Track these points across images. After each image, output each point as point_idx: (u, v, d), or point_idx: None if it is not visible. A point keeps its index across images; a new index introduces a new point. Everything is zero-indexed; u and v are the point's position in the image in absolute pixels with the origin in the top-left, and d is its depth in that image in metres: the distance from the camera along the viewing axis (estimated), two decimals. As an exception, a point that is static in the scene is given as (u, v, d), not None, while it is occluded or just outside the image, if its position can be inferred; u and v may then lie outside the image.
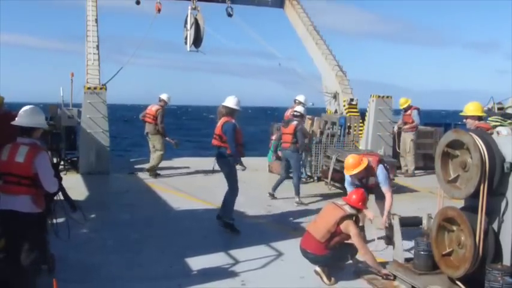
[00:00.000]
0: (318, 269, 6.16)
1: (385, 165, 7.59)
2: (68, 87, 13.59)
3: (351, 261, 6.39)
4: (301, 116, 10.84)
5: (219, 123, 8.42)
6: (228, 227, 8.31)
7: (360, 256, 6.28)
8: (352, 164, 7.23)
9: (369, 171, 7.33)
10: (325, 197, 10.75)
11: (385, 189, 7.37)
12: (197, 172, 13.48)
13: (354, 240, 6.08)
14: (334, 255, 6.15)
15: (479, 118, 7.53)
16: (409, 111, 13.76)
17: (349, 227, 6.09)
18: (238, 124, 8.43)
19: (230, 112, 8.42)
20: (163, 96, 12.84)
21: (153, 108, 12.62)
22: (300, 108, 11.10)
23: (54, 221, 5.59)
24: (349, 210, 6.22)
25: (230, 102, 8.44)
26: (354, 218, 6.21)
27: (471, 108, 7.59)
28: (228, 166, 8.41)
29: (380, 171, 7.36)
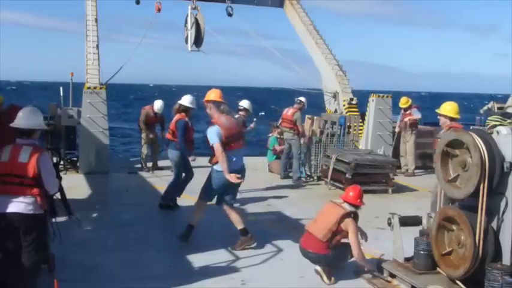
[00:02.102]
0: (318, 268, 6.16)
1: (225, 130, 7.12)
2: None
3: (351, 260, 6.38)
4: (245, 110, 11.03)
5: (174, 119, 9.27)
6: (164, 207, 9.35)
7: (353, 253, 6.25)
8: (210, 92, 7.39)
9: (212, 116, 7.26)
10: (325, 196, 10.74)
11: (213, 146, 7.00)
12: (196, 171, 13.46)
13: (350, 237, 6.10)
14: (336, 255, 6.15)
15: (452, 119, 7.55)
16: (409, 111, 13.74)
17: (349, 224, 6.11)
18: (190, 121, 9.29)
19: (185, 109, 9.21)
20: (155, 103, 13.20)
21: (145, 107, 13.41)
22: (244, 103, 11.16)
23: (54, 220, 5.58)
24: (348, 207, 6.24)
25: (185, 100, 9.26)
26: (353, 215, 6.23)
27: (447, 108, 7.64)
28: (177, 157, 9.27)
29: (211, 129, 7.03)
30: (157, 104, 13.09)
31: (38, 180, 4.90)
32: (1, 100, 8.22)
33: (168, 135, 9.43)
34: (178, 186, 9.50)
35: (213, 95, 7.37)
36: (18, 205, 4.87)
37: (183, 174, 9.48)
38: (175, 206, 9.49)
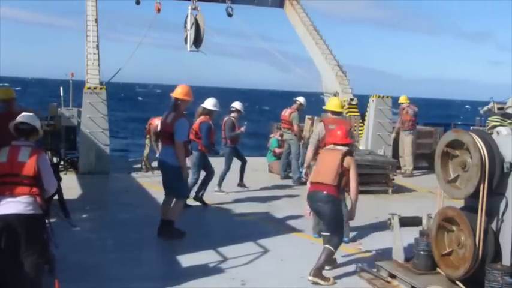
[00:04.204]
0: (310, 278, 6.03)
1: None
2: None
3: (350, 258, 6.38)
4: (236, 111, 11.12)
5: (197, 121, 9.51)
6: (199, 200, 9.68)
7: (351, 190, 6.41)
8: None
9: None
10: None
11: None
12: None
13: (352, 172, 6.32)
14: (339, 208, 6.38)
15: (336, 113, 8.04)
16: (405, 108, 13.78)
17: (350, 162, 6.35)
18: (213, 124, 9.60)
19: (208, 112, 9.52)
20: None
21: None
22: (235, 104, 11.22)
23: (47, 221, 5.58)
24: (343, 148, 6.47)
25: (209, 104, 9.56)
26: (350, 153, 6.52)
27: (329, 104, 8.24)
28: (196, 159, 9.58)
29: (180, 122, 7.51)
30: (156, 122, 12.89)
31: (38, 179, 4.91)
32: (12, 94, 7.89)
33: (191, 136, 9.32)
34: (194, 185, 9.68)
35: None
36: (18, 206, 4.85)
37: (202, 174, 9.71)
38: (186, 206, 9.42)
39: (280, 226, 8.57)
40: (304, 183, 12.10)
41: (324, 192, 6.22)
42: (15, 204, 4.85)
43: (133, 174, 12.83)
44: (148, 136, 12.95)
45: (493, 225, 5.30)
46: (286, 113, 12.28)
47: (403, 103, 13.88)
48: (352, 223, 8.72)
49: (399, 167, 13.56)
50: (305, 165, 8.06)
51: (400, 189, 11.70)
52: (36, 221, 4.95)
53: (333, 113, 8.01)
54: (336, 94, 15.51)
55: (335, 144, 6.54)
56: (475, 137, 5.25)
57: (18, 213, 4.83)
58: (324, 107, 8.79)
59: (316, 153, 7.51)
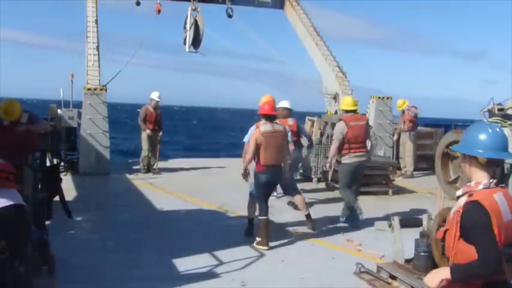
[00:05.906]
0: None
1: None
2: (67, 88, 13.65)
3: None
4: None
5: (293, 122, 9.52)
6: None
7: None
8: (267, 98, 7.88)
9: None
10: (325, 198, 10.75)
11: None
12: (194, 173, 13.50)
13: None
14: None
15: (350, 111, 8.73)
16: (406, 111, 13.76)
17: None
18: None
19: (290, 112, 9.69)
20: (153, 94, 13.19)
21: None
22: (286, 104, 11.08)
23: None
24: (281, 128, 7.52)
25: (288, 103, 9.68)
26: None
27: (343, 104, 8.96)
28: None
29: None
30: (155, 94, 13.06)
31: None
32: (15, 116, 6.92)
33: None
34: None
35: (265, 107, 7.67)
36: (15, 197, 4.86)
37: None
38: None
39: (281, 227, 8.56)
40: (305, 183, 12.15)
41: (279, 168, 7.51)
42: (12, 197, 4.86)
43: (133, 176, 12.84)
44: (145, 128, 12.95)
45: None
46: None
47: (403, 108, 13.80)
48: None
49: (399, 168, 13.56)
50: (329, 159, 8.67)
51: (400, 190, 11.68)
52: (26, 213, 4.98)
53: (347, 111, 8.68)
54: (336, 95, 15.51)
55: (264, 115, 7.35)
56: (475, 138, 5.24)
57: (12, 204, 4.84)
58: (337, 107, 9.30)
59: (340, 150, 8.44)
